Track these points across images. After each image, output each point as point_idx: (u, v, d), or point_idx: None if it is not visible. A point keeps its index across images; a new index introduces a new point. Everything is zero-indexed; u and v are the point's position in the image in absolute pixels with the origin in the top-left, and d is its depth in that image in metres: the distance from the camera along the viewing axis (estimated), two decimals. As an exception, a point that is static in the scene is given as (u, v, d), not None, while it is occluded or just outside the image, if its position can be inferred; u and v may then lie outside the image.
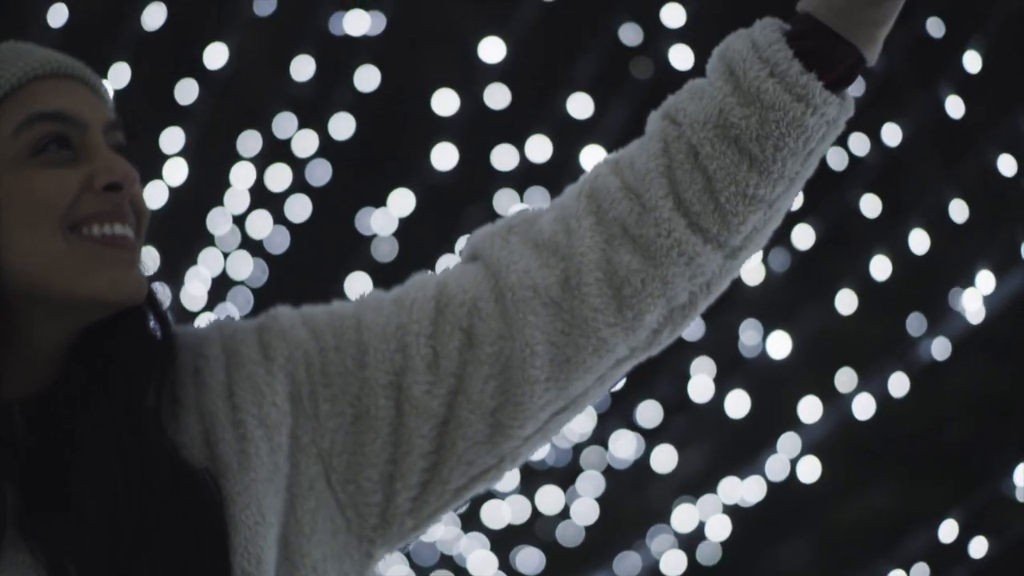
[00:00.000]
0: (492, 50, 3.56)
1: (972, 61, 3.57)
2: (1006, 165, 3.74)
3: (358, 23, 3.67)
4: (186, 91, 3.63)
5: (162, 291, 0.90)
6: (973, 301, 3.60)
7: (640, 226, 0.82)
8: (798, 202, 3.11)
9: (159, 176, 3.56)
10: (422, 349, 0.82)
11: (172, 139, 3.64)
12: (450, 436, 0.83)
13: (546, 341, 0.82)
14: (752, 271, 3.66)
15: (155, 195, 3.46)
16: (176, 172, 3.64)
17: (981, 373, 4.30)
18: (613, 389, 3.13)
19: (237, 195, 3.77)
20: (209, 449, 0.80)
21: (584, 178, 0.88)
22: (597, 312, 0.82)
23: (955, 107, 3.62)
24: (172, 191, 3.62)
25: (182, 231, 3.79)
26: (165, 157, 3.63)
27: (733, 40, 0.85)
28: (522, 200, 3.75)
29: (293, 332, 0.83)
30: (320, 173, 3.86)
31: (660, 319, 0.85)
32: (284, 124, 3.79)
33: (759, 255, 3.53)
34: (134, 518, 0.75)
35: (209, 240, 3.82)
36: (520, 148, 3.73)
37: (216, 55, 3.54)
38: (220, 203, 3.79)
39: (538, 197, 3.64)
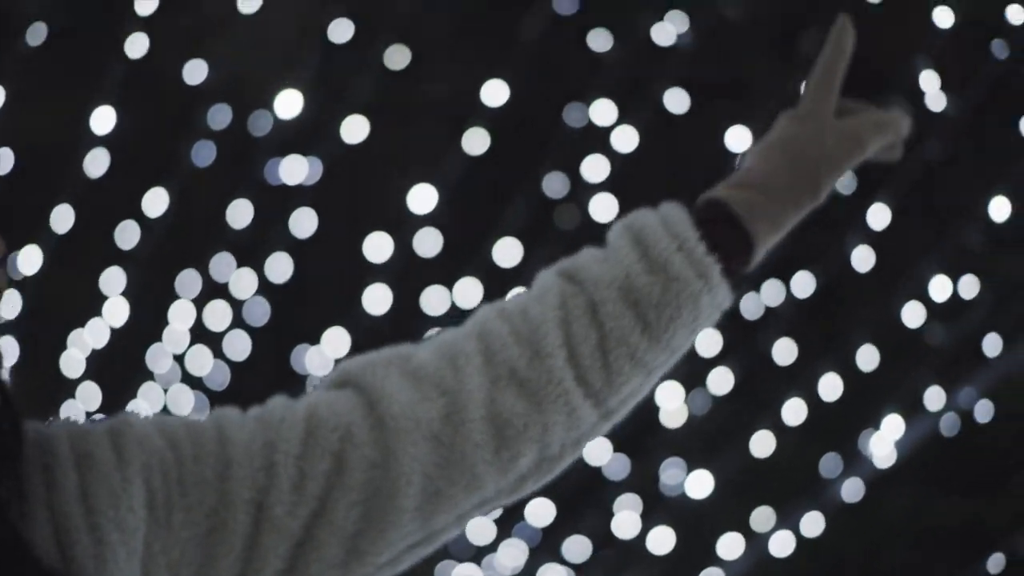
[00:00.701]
0: (423, 198, 3.72)
1: (879, 213, 3.83)
2: (911, 316, 3.97)
3: (295, 170, 3.83)
4: (127, 234, 3.73)
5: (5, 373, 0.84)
6: (881, 445, 3.74)
7: (529, 371, 0.83)
8: (716, 346, 3.27)
9: (99, 315, 3.65)
10: (289, 469, 0.81)
11: (112, 280, 3.73)
12: (305, 557, 0.81)
13: (422, 472, 0.82)
14: (674, 413, 3.81)
15: (97, 334, 3.55)
16: (117, 312, 3.72)
17: (904, 505, 4.40)
18: (542, 525, 3.17)
19: (176, 333, 3.84)
20: (61, 551, 0.76)
21: (471, 321, 0.89)
22: (477, 449, 0.82)
23: (862, 259, 3.86)
24: (113, 331, 3.69)
25: (122, 368, 3.83)
26: (105, 297, 3.72)
27: (641, 215, 0.89)
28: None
29: (149, 439, 0.81)
30: (259, 312, 3.97)
31: (531, 465, 0.86)
32: (222, 265, 3.90)
33: (681, 396, 3.65)
34: None
35: (149, 376, 3.86)
36: (450, 291, 3.86)
37: (156, 201, 3.66)
38: (159, 340, 3.85)
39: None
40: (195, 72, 3.96)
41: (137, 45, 3.87)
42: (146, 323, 3.74)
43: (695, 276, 0.84)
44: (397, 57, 4.42)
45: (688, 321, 0.85)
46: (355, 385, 0.86)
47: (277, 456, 0.81)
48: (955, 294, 4.14)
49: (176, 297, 3.82)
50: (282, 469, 0.80)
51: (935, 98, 3.90)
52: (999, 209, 4.08)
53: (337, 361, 3.82)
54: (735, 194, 0.88)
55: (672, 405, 3.75)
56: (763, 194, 0.88)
